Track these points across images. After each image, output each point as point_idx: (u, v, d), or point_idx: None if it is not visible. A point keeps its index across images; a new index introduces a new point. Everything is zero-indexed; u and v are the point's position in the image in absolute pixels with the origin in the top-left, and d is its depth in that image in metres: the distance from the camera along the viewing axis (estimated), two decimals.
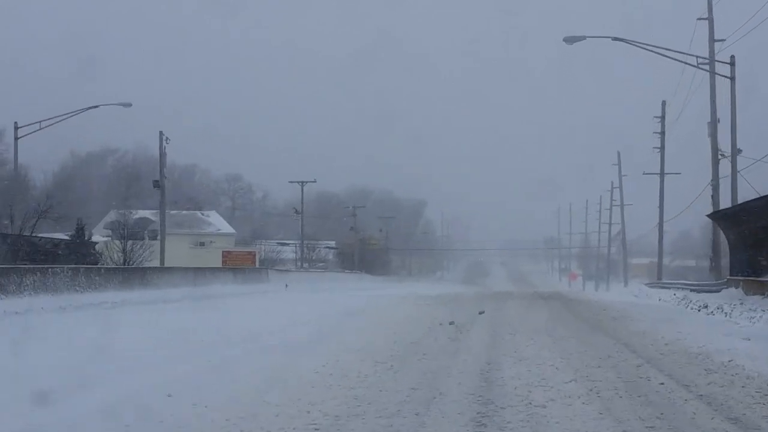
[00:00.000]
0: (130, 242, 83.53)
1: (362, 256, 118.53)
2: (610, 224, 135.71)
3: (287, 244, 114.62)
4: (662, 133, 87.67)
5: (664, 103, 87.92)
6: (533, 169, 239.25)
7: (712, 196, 61.88)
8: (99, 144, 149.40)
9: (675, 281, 71.43)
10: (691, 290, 55.50)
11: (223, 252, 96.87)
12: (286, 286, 49.27)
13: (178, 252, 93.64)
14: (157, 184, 79.57)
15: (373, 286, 63.15)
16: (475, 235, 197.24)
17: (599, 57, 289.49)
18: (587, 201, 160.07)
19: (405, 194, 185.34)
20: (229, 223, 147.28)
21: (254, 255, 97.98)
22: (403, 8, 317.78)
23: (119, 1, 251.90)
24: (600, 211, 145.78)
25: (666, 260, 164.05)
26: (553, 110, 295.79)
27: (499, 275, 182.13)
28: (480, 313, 33.60)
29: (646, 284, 77.88)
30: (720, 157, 62.17)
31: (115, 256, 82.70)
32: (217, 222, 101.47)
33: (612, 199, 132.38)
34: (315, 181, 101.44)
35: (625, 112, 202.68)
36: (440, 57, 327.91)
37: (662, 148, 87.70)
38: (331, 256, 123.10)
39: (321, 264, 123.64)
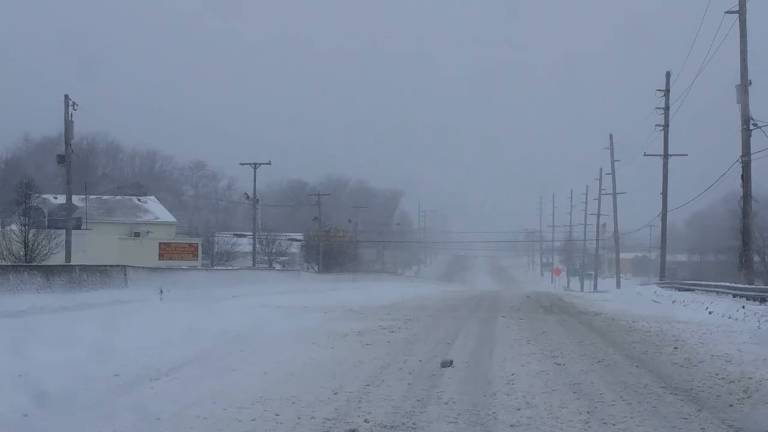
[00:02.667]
0: (33, 231, 64.47)
1: (328, 250, 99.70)
2: (598, 215, 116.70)
3: (245, 236, 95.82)
4: (666, 108, 69.93)
5: (668, 75, 70.17)
6: (527, 166, 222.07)
7: (742, 176, 45.56)
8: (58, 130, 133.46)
9: (699, 282, 52.82)
10: (737, 295, 38.07)
11: (160, 244, 78.08)
12: (161, 293, 30.51)
13: (105, 244, 74.95)
14: (62, 160, 60.37)
15: (309, 288, 44.77)
16: (456, 229, 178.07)
17: (599, 55, 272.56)
18: (572, 191, 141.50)
19: (385, 186, 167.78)
20: (186, 211, 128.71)
21: (196, 247, 79.26)
22: (403, 8, 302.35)
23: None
24: (586, 202, 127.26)
25: (652, 255, 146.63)
26: (552, 110, 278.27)
27: (480, 270, 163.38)
28: (444, 365, 15.02)
29: (659, 285, 59.13)
30: (752, 127, 45.45)
31: (14, 246, 63.73)
32: (155, 209, 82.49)
33: (601, 188, 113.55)
34: (269, 163, 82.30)
35: (625, 113, 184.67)
36: (437, 56, 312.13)
37: (666, 125, 70.11)
38: (294, 249, 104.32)
39: (283, 258, 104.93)
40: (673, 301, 44.32)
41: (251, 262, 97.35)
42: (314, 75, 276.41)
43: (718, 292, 43.28)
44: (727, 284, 44.93)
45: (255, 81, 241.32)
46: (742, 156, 47.31)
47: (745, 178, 47.06)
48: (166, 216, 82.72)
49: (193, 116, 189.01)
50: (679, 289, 52.53)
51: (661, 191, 70.44)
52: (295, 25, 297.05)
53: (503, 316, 28.42)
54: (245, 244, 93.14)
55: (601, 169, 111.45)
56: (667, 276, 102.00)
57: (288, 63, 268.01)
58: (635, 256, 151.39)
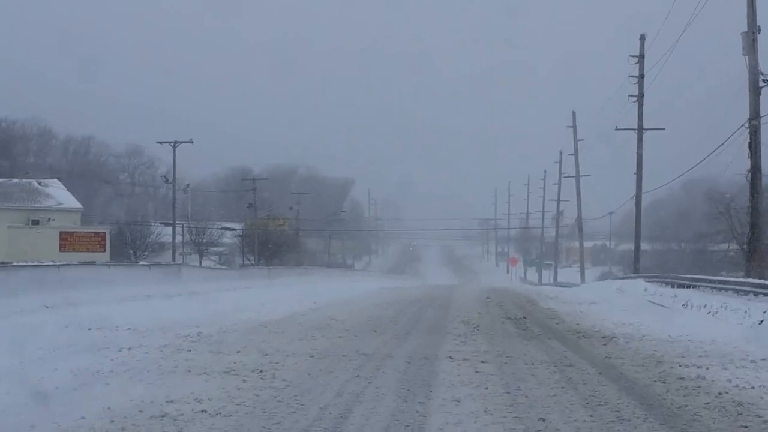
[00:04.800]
0: None
1: (267, 240, 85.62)
2: (558, 201, 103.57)
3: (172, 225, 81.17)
4: (640, 76, 57.38)
5: (642, 38, 57.80)
6: (526, 167, 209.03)
7: (750, 144, 35.02)
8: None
9: (705, 277, 39.59)
10: None
11: (60, 233, 63.83)
12: None
13: None
14: None
15: (194, 290, 30.29)
16: (410, 218, 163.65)
17: (599, 55, 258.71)
18: (529, 176, 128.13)
19: (335, 174, 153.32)
20: (121, 199, 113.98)
21: (104, 237, 65.00)
22: (403, 8, 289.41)
23: None
24: (545, 187, 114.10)
25: (612, 244, 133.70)
26: (552, 110, 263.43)
27: (432, 261, 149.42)
28: None
29: (647, 279, 45.72)
30: (762, 83, 34.90)
31: None
32: (58, 194, 67.90)
33: (561, 172, 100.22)
34: (191, 141, 67.96)
35: (624, 113, 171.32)
36: (437, 56, 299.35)
37: (640, 95, 57.42)
38: (227, 239, 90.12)
39: (219, 250, 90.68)
40: (684, 305, 30.89)
41: (181, 255, 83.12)
42: (314, 75, 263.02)
43: (738, 291, 30.18)
44: (753, 281, 31.59)
45: (255, 81, 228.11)
46: (750, 119, 35.41)
47: (754, 146, 35.33)
48: (70, 201, 68.19)
49: (193, 116, 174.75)
50: (674, 286, 39.40)
51: (634, 171, 57.57)
52: (295, 25, 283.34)
53: (450, 357, 14.48)
54: (176, 235, 78.64)
55: (561, 152, 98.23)
56: (628, 266, 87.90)
57: (288, 63, 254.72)
58: (594, 244, 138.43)
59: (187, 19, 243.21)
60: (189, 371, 12.39)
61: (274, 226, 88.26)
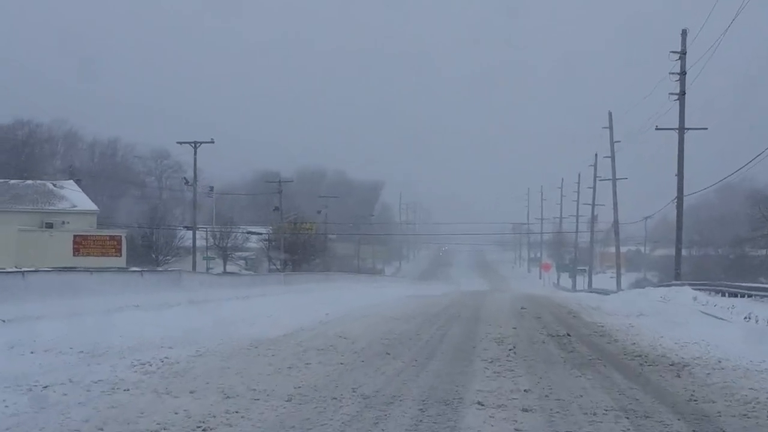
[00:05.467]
0: None
1: (294, 245, 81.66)
2: (593, 205, 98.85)
3: (198, 229, 77.49)
4: (682, 73, 53.12)
5: (684, 33, 53.62)
6: (526, 167, 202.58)
7: None
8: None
9: (760, 286, 35.44)
10: None
11: (74, 237, 60.31)
12: None
13: (2, 236, 57.41)
14: None
15: (197, 298, 26.13)
16: (443, 222, 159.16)
17: (599, 55, 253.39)
18: (563, 179, 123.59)
19: (365, 177, 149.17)
20: (149, 202, 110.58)
21: (119, 241, 61.36)
22: (403, 8, 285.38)
23: None
24: (578, 191, 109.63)
25: (646, 249, 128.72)
26: (552, 110, 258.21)
27: (464, 266, 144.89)
28: None
29: (694, 286, 41.39)
30: None
31: None
32: (73, 196, 64.34)
33: (596, 176, 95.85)
34: (212, 141, 64.55)
35: (624, 112, 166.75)
36: (437, 56, 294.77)
37: (682, 93, 53.02)
38: (252, 244, 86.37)
39: (245, 254, 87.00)
40: (746, 318, 26.63)
41: (205, 259, 79.61)
42: (314, 75, 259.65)
43: None
44: None
45: (255, 81, 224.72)
46: None
47: None
48: (85, 203, 64.63)
49: (193, 116, 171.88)
50: (725, 294, 35.28)
51: (675, 173, 53.35)
52: (295, 25, 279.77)
53: (479, 402, 10.42)
54: (198, 239, 74.98)
55: (596, 154, 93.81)
56: (663, 272, 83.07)
57: (288, 63, 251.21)
58: (628, 249, 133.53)
59: (187, 19, 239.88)
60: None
61: (301, 230, 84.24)
